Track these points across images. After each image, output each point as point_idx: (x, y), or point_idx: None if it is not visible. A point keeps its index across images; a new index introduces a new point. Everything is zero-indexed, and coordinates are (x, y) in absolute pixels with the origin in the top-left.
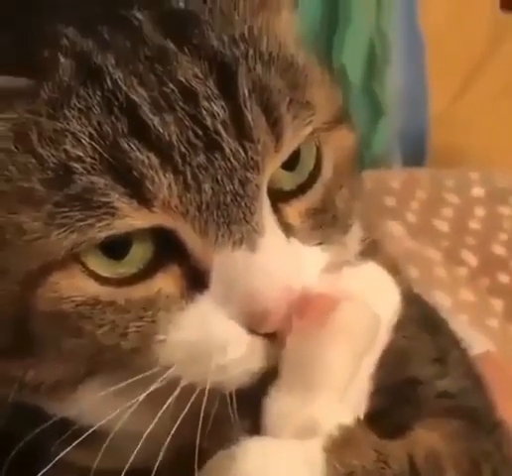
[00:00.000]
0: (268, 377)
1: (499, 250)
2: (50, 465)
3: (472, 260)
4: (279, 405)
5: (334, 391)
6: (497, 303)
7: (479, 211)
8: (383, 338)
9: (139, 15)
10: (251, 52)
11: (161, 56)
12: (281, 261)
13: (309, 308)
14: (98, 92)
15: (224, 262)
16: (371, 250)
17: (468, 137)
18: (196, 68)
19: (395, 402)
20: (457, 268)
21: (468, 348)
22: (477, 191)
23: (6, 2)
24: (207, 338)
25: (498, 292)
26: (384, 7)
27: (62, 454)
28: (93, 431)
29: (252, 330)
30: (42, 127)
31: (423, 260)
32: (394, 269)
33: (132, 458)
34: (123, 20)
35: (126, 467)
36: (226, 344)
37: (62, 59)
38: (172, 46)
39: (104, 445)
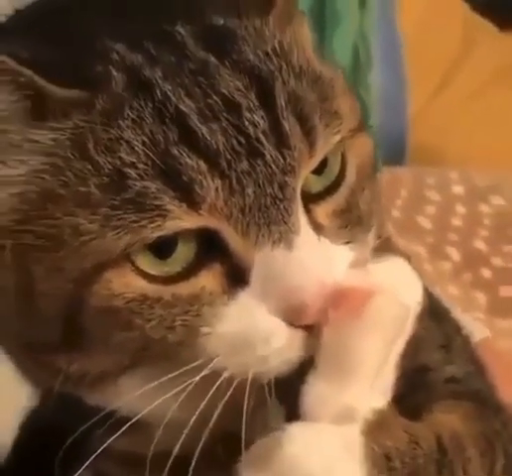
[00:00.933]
0: (305, 367)
1: (481, 245)
2: (96, 453)
3: (455, 255)
4: (317, 391)
5: (368, 377)
6: (481, 297)
7: (460, 209)
8: (409, 328)
9: (182, 30)
10: (284, 65)
11: (204, 69)
12: (315, 258)
13: (343, 301)
14: (150, 103)
15: (264, 260)
16: (385, 246)
17: (446, 136)
18: (238, 82)
19: (408, 387)
20: (442, 263)
21: (469, 335)
22: (457, 189)
23: (59, 19)
24: (250, 331)
25: (481, 286)
26: (367, 10)
27: (107, 443)
28: (140, 421)
29: (291, 323)
30: (97, 136)
31: (411, 256)
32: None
33: (177, 447)
34: (167, 35)
35: (173, 454)
36: (269, 336)
37: (114, 73)
38: (213, 60)
39: (156, 433)
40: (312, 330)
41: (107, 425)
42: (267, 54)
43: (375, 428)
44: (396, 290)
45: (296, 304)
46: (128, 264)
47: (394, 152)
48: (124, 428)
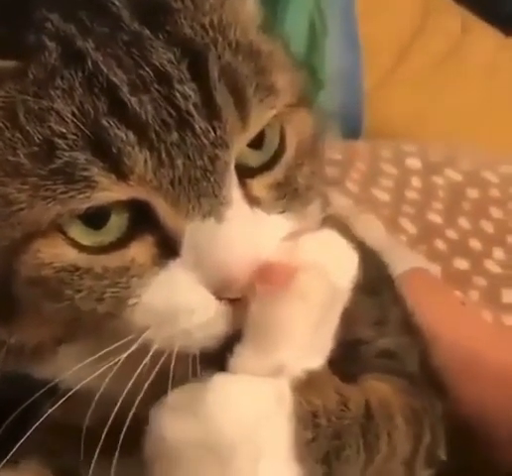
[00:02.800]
0: (231, 342)
1: (435, 218)
2: (36, 424)
3: (411, 228)
4: (243, 360)
5: (296, 345)
6: (436, 269)
7: (416, 182)
8: (343, 300)
9: (117, 2)
10: (220, 39)
11: (137, 41)
12: (245, 232)
13: (269, 276)
14: (80, 74)
15: (194, 232)
16: (328, 224)
17: (402, 110)
18: (170, 54)
19: (341, 360)
20: (398, 235)
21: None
22: (413, 163)
23: None
24: (176, 302)
25: (436, 257)
26: None
27: (45, 415)
28: (74, 392)
29: (219, 295)
30: (28, 105)
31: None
32: (347, 234)
33: (112, 417)
34: (102, 6)
35: (108, 424)
36: (194, 308)
37: (47, 42)
38: (147, 32)
39: (91, 405)
40: (238, 304)
41: (52, 397)
42: (203, 26)
43: (306, 386)
44: (324, 263)
45: (224, 277)
46: (59, 234)
47: (350, 126)
48: (61, 401)
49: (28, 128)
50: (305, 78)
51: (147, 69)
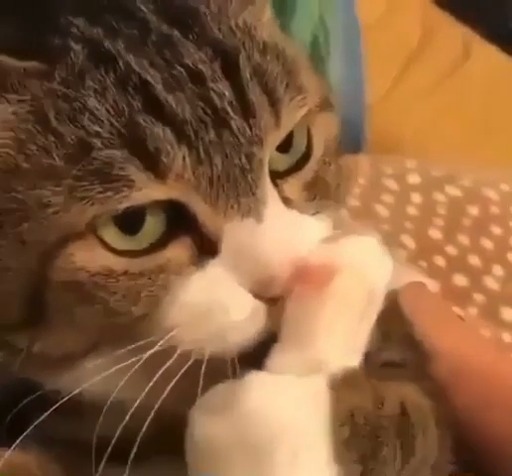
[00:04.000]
0: (269, 345)
1: (435, 234)
2: (28, 430)
3: (411, 244)
4: (279, 359)
5: (334, 345)
6: (435, 285)
7: (416, 198)
8: (379, 303)
9: (143, 8)
10: (248, 40)
11: (168, 42)
12: (284, 230)
13: (309, 277)
14: (112, 74)
15: (233, 231)
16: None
17: (403, 126)
18: (202, 53)
19: None
20: (397, 251)
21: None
22: (414, 179)
23: None
24: (212, 301)
25: (435, 274)
26: (328, 1)
27: (40, 418)
28: (84, 402)
29: (257, 295)
30: (59, 106)
31: None
32: None
33: (121, 427)
34: (128, 12)
35: (116, 435)
36: (230, 306)
37: (73, 45)
38: (177, 33)
39: (102, 413)
40: (275, 303)
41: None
42: (230, 29)
43: (344, 384)
44: (363, 265)
45: (264, 275)
46: (94, 237)
47: (352, 141)
48: (56, 406)
49: (60, 130)
50: (326, 82)
51: (179, 69)
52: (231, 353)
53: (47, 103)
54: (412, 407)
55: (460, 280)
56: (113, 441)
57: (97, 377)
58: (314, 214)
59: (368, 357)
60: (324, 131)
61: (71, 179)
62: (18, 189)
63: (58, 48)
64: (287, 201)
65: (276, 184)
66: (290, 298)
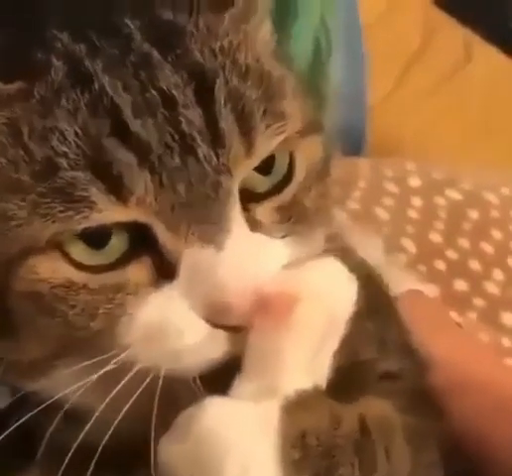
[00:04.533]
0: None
1: (436, 238)
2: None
3: (411, 247)
4: (242, 388)
5: (292, 374)
6: (434, 290)
7: (417, 201)
8: (341, 328)
9: (130, 23)
10: (229, 64)
11: (145, 63)
12: (245, 258)
13: (269, 307)
14: (86, 95)
15: (192, 257)
16: (330, 246)
17: (404, 129)
18: (177, 77)
19: (342, 384)
20: (398, 255)
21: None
22: (414, 182)
23: (11, 7)
24: (165, 323)
25: (435, 278)
26: (329, 2)
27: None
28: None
29: (211, 323)
30: (33, 124)
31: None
32: (348, 253)
33: (82, 436)
34: (114, 27)
35: (75, 444)
36: (183, 331)
37: (55, 62)
38: (156, 54)
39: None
40: (239, 331)
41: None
42: (213, 51)
43: (296, 406)
44: (325, 292)
45: (219, 306)
46: (57, 251)
47: (353, 143)
48: (35, 411)
49: (31, 146)
50: (315, 104)
51: (153, 92)
52: (190, 374)
53: (22, 118)
54: (374, 423)
55: (461, 284)
56: (100, 449)
57: (67, 387)
58: (283, 237)
59: (366, 367)
60: (308, 156)
61: (36, 196)
62: None
63: (40, 63)
64: (256, 224)
65: (248, 208)
66: (252, 329)
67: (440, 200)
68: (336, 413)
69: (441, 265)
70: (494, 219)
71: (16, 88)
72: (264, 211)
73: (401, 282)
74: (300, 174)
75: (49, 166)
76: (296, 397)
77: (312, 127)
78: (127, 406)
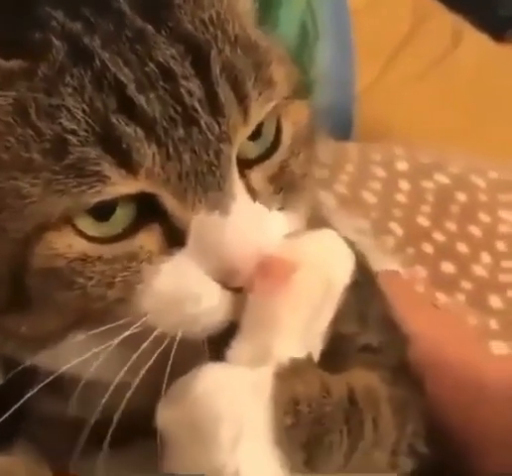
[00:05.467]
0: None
1: (423, 221)
2: (12, 410)
3: (399, 230)
4: (238, 350)
5: (287, 339)
6: (422, 271)
7: (404, 185)
8: (336, 297)
9: None
10: (220, 34)
11: (141, 38)
12: (249, 224)
13: (270, 271)
14: (89, 72)
15: (200, 224)
16: (318, 225)
17: (392, 112)
18: (174, 50)
19: (324, 355)
20: (385, 238)
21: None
22: (402, 166)
23: None
24: (183, 289)
25: (423, 260)
26: None
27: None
28: (72, 382)
29: (223, 284)
30: (39, 102)
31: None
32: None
33: (101, 405)
34: (104, 2)
35: (94, 415)
36: (200, 295)
37: (54, 41)
38: (150, 28)
39: (76, 392)
40: (240, 292)
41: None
42: (203, 22)
43: (289, 373)
44: (323, 262)
45: (228, 267)
46: (68, 226)
47: (341, 127)
48: (46, 383)
49: (39, 124)
50: (299, 71)
51: (151, 66)
52: (201, 336)
53: (28, 97)
54: (362, 394)
55: (448, 267)
56: (92, 421)
57: (79, 356)
58: (279, 209)
59: (346, 341)
60: (294, 121)
61: (48, 173)
62: None
63: (40, 43)
64: (253, 193)
65: (244, 175)
66: (251, 292)
67: (427, 184)
68: (326, 381)
69: (428, 248)
70: (482, 203)
71: (17, 66)
72: (258, 179)
73: (380, 262)
74: (287, 138)
75: (59, 143)
76: (289, 364)
77: (297, 93)
78: (142, 371)
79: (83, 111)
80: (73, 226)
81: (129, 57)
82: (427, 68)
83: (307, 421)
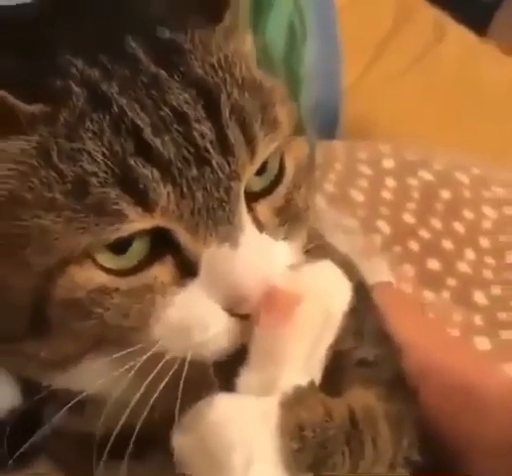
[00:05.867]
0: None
1: (409, 219)
2: (40, 432)
3: (386, 228)
4: (247, 380)
5: (291, 369)
6: (409, 270)
7: (390, 182)
8: (336, 325)
9: (132, 44)
10: (228, 77)
11: (155, 83)
12: (257, 255)
13: (275, 304)
14: (107, 117)
15: (212, 256)
16: (320, 253)
17: (378, 109)
18: (187, 94)
19: (324, 373)
20: (373, 236)
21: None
22: (388, 163)
23: (22, 35)
24: (193, 318)
25: (409, 258)
26: None
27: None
28: (88, 401)
29: (230, 311)
30: (61, 146)
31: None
32: (345, 264)
33: (121, 423)
34: (120, 49)
35: (115, 432)
36: (208, 322)
37: (74, 88)
38: (163, 73)
39: (95, 410)
40: (247, 319)
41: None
42: (212, 66)
43: (293, 402)
44: (324, 293)
45: (238, 296)
46: (89, 260)
47: (327, 126)
48: (73, 405)
49: (61, 167)
50: (299, 110)
51: (166, 110)
52: (209, 360)
53: (51, 141)
54: (361, 414)
55: (434, 264)
56: (112, 438)
57: (97, 379)
58: (283, 239)
59: (343, 356)
60: (296, 157)
61: (70, 212)
62: (23, 218)
63: (60, 90)
64: (260, 225)
65: (251, 208)
66: (258, 325)
67: (412, 181)
68: (328, 405)
69: (414, 245)
70: (466, 199)
71: (39, 110)
72: (264, 211)
73: (375, 272)
74: (289, 173)
75: (80, 184)
76: (293, 393)
77: (297, 129)
78: (155, 394)
79: (103, 154)
80: (94, 260)
81: (145, 102)
82: (410, 64)
83: (312, 446)
